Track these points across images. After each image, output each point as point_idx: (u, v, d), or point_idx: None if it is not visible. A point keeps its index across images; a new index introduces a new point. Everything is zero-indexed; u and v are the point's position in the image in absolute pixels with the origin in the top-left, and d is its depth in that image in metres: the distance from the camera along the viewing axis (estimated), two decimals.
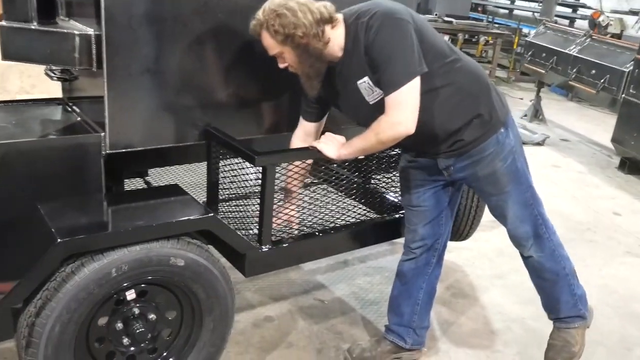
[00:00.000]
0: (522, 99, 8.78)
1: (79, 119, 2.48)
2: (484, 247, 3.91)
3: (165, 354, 2.25)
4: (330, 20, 2.09)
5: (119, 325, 2.09)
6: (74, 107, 2.58)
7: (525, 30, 10.15)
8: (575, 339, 2.54)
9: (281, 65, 2.20)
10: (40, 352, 1.88)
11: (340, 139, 2.28)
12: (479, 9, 13.63)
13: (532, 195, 2.39)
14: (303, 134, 2.47)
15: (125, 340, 2.12)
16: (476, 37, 9.52)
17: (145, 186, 2.94)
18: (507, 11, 13.25)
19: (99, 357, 2.10)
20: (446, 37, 8.98)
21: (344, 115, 2.44)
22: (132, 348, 2.14)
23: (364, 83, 2.12)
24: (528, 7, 12.54)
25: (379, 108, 2.10)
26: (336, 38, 2.12)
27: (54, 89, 6.40)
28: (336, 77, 2.22)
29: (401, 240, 3.83)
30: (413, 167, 2.43)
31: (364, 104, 2.18)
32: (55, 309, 1.86)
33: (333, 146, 2.26)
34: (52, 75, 2.65)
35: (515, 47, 10.06)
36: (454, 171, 2.32)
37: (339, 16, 2.13)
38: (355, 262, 3.61)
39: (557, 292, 2.52)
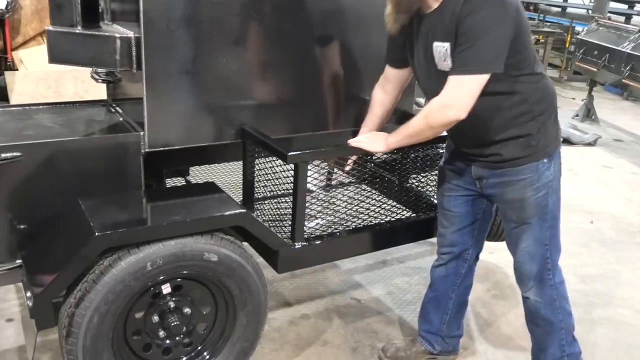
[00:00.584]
0: (574, 98, 8.52)
1: (121, 119, 2.58)
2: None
3: (200, 347, 2.31)
4: None
5: (155, 318, 2.16)
6: (117, 108, 2.68)
7: (578, 28, 9.85)
8: None
9: None
10: (80, 342, 1.96)
11: (383, 133, 2.27)
12: (531, 7, 13.30)
13: (551, 237, 2.24)
14: (384, 82, 2.45)
15: (161, 333, 2.19)
16: None
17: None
18: (559, 9, 12.88)
19: (136, 348, 2.18)
20: None
21: (415, 72, 2.30)
22: (168, 341, 2.21)
23: (442, 47, 2.01)
24: (581, 5, 12.16)
25: (442, 79, 2.02)
26: None
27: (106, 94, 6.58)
28: (419, 30, 2.11)
29: None
30: (450, 169, 2.38)
31: (432, 67, 2.10)
32: (93, 300, 1.94)
33: (378, 139, 2.25)
34: (97, 77, 2.75)
35: (567, 45, 9.78)
36: (486, 185, 2.24)
37: None
38: (394, 262, 3.59)
39: (546, 342, 2.36)
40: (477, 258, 2.56)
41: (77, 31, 2.27)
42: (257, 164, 2.49)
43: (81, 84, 6.51)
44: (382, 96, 2.47)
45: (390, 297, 3.21)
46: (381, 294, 3.22)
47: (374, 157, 2.80)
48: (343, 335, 2.84)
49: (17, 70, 6.42)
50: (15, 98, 6.27)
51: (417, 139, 2.17)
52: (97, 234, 1.88)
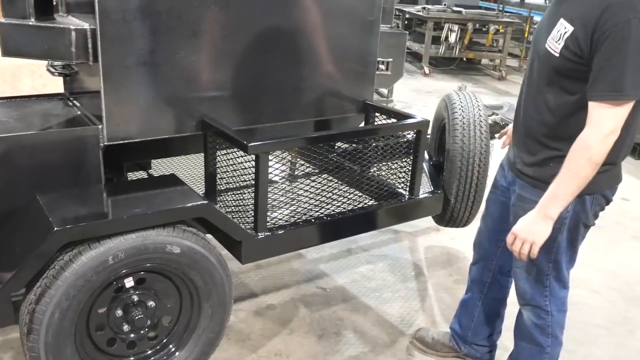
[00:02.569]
0: None
1: (79, 112, 2.54)
2: None
3: (165, 340, 2.30)
4: None
5: (119, 312, 2.15)
6: (75, 102, 2.64)
7: (536, 18, 10.05)
8: None
9: None
10: (41, 338, 1.94)
11: (528, 217, 1.94)
12: None
13: (555, 269, 2.08)
14: None
15: (125, 327, 2.17)
16: (486, 26, 9.45)
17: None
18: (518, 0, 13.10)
19: (99, 343, 2.16)
20: (455, 27, 9.04)
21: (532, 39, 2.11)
22: (132, 335, 2.20)
23: (563, 27, 1.81)
24: None
25: (541, 60, 1.91)
26: None
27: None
28: (561, 3, 1.91)
29: (405, 228, 3.90)
30: (502, 166, 2.27)
31: (540, 41, 1.92)
32: (54, 296, 1.91)
33: (535, 224, 1.90)
34: (53, 70, 2.71)
35: (526, 35, 9.98)
36: (512, 192, 2.13)
37: None
38: (359, 251, 3.64)
39: (525, 356, 2.29)
40: (502, 272, 2.40)
41: (31, 23, 2.22)
42: (219, 156, 2.49)
43: (39, 78, 6.35)
44: None
45: (355, 285, 3.25)
46: (346, 282, 3.26)
47: (335, 148, 2.83)
48: (309, 324, 2.87)
49: None
50: None
51: (583, 186, 1.83)
52: (56, 228, 1.86)
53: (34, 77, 6.42)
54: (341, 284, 3.24)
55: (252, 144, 2.19)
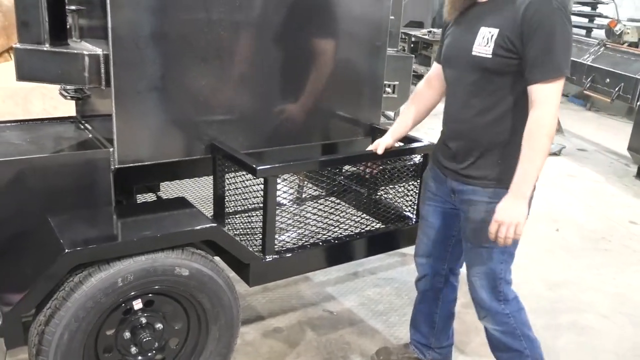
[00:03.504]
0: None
1: (90, 135, 2.58)
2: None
3: None
4: None
5: (127, 334, 2.16)
6: (87, 125, 2.68)
7: None
8: None
9: None
10: None
11: (505, 201, 2.02)
12: None
13: (505, 271, 2.21)
14: (434, 76, 2.38)
15: (133, 349, 2.18)
16: None
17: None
18: None
19: None
20: None
21: (443, 58, 2.25)
22: (140, 357, 2.20)
23: (488, 32, 1.99)
24: None
25: (470, 66, 2.04)
26: None
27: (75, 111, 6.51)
28: (467, 16, 2.12)
29: (412, 251, 3.89)
30: (432, 177, 2.36)
31: (464, 52, 2.06)
32: (64, 317, 1.93)
33: (511, 205, 2.00)
34: (66, 94, 2.76)
35: None
36: (457, 200, 2.22)
37: None
38: (366, 274, 3.63)
39: None
40: (454, 273, 2.52)
41: (45, 48, 2.27)
42: (227, 179, 2.51)
43: (50, 100, 6.44)
44: (426, 90, 2.43)
45: (362, 308, 3.24)
46: (353, 306, 3.26)
47: (343, 170, 2.85)
48: (316, 348, 2.86)
49: None
50: None
51: (544, 162, 1.98)
52: (66, 250, 1.88)
53: (45, 99, 6.51)
54: (348, 307, 3.24)
55: (260, 167, 2.21)
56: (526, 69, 1.95)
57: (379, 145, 2.55)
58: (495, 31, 1.97)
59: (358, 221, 2.70)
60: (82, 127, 2.71)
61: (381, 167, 2.68)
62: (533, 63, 1.92)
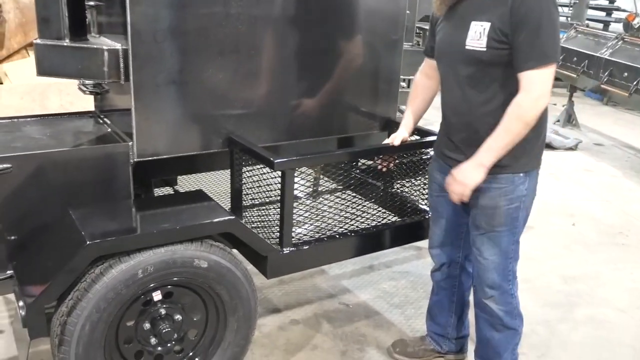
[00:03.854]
0: (555, 104, 8.64)
1: (109, 130, 2.61)
2: None
3: (191, 354, 2.33)
4: None
5: (147, 325, 2.19)
6: (105, 119, 2.71)
7: None
8: None
9: None
10: (72, 350, 1.98)
11: (466, 163, 2.14)
12: None
13: (515, 251, 2.29)
14: (428, 67, 2.47)
15: (153, 340, 2.21)
16: None
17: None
18: None
19: (128, 356, 2.20)
20: None
21: (436, 54, 2.30)
22: (160, 348, 2.23)
23: (480, 26, 2.04)
24: (561, 12, 12.38)
25: (464, 60, 2.10)
26: None
27: (91, 106, 6.64)
28: (457, 10, 2.15)
29: (427, 244, 3.90)
30: (438, 170, 2.41)
31: (457, 46, 2.11)
32: (85, 308, 1.96)
33: (469, 170, 2.11)
34: (85, 89, 2.79)
35: None
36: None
37: None
38: (381, 267, 3.64)
39: (503, 347, 2.40)
40: (469, 260, 2.54)
41: (65, 44, 2.30)
42: (245, 172, 2.53)
43: (66, 96, 6.51)
44: (425, 80, 2.50)
45: (378, 301, 3.25)
46: (369, 299, 3.27)
47: (359, 164, 2.86)
48: (332, 340, 2.88)
49: (1, 83, 6.41)
50: (0, 111, 6.26)
51: (514, 143, 2.06)
52: (88, 242, 1.91)
53: (62, 95, 6.59)
54: (364, 300, 3.25)
55: (278, 160, 2.23)
56: (514, 57, 2.00)
57: (396, 139, 2.58)
58: (487, 25, 2.02)
59: (374, 214, 2.70)
60: (100, 121, 2.74)
61: (397, 161, 2.69)
62: (520, 51, 1.98)
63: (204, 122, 2.46)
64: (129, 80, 2.27)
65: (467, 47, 2.08)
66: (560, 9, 12.26)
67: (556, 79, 7.68)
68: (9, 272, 2.22)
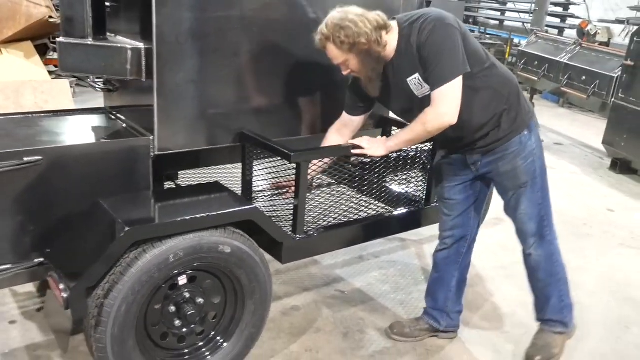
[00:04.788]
0: None
1: (124, 125, 2.73)
2: (487, 241, 4.16)
3: (212, 334, 2.48)
4: (385, 27, 2.36)
5: (172, 308, 2.33)
6: (119, 115, 2.82)
7: (516, 40, 10.50)
8: (556, 342, 2.77)
9: (345, 73, 2.49)
10: (108, 330, 2.11)
11: (380, 138, 2.52)
12: (470, 20, 14.00)
13: (543, 197, 2.60)
14: (341, 126, 2.77)
15: (177, 322, 2.35)
16: None
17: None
18: (497, 22, 13.63)
19: (154, 337, 2.34)
20: None
21: (392, 109, 2.70)
22: (184, 329, 2.38)
23: (414, 79, 2.38)
24: (518, 18, 12.93)
25: (425, 102, 2.37)
26: (391, 41, 2.39)
27: (66, 104, 6.63)
28: (388, 76, 2.47)
29: (411, 236, 4.14)
30: (445, 163, 2.71)
31: (412, 99, 2.44)
32: (121, 291, 2.09)
33: (377, 144, 2.54)
34: (96, 86, 2.90)
35: (507, 56, 10.39)
36: (480, 166, 2.59)
37: (392, 22, 2.41)
38: (370, 257, 3.86)
39: (548, 293, 2.73)
40: (475, 237, 2.87)
41: (89, 42, 2.42)
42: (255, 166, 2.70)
43: (40, 94, 6.48)
44: (338, 139, 2.78)
45: (370, 288, 3.46)
46: (362, 286, 3.48)
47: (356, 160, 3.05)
48: (333, 323, 3.07)
49: None
50: None
51: (415, 142, 2.55)
52: (127, 228, 2.04)
53: (36, 93, 6.56)
54: (358, 287, 3.45)
55: (294, 153, 2.41)
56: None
57: None
58: (416, 75, 2.38)
59: (376, 204, 2.91)
60: (113, 117, 2.85)
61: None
62: (429, 80, 2.34)
63: (219, 118, 2.61)
64: (150, 78, 2.41)
65: (420, 97, 2.42)
66: (520, 15, 12.83)
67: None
68: (36, 260, 2.33)
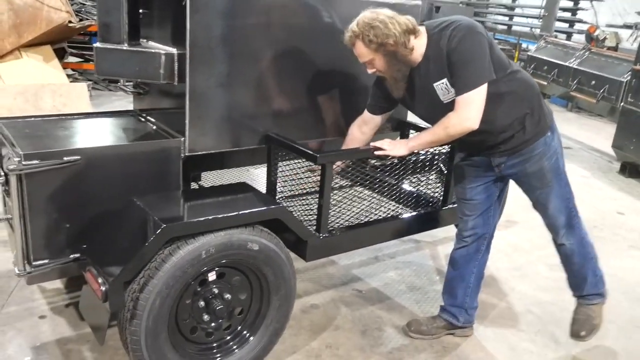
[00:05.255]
0: None
1: (154, 127, 2.83)
2: (500, 243, 4.24)
3: (239, 328, 2.58)
4: (414, 31, 2.46)
5: (201, 303, 2.42)
6: (149, 117, 2.93)
7: (524, 45, 10.59)
8: (596, 313, 2.92)
9: (370, 71, 2.58)
10: (143, 323, 2.21)
11: (402, 140, 2.63)
12: None
13: (569, 191, 2.77)
14: (362, 123, 2.90)
15: (206, 317, 2.45)
16: None
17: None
18: (505, 27, 13.71)
19: (184, 331, 2.43)
20: None
21: (414, 112, 2.78)
22: (212, 324, 2.47)
23: (442, 84, 2.48)
24: (526, 23, 13.01)
25: (449, 107, 2.47)
26: (419, 47, 2.49)
27: (84, 107, 6.75)
28: (414, 79, 2.57)
29: (425, 237, 4.22)
30: (467, 164, 2.81)
31: (436, 103, 2.54)
32: (156, 285, 2.19)
33: (399, 144, 2.65)
34: (126, 90, 3.01)
35: (516, 61, 10.47)
36: (505, 168, 2.69)
37: (421, 28, 2.51)
38: (385, 258, 3.95)
39: (584, 273, 2.89)
40: (493, 235, 2.98)
41: (125, 48, 2.53)
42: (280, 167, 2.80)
43: (59, 97, 6.62)
44: (359, 136, 2.91)
45: (387, 287, 3.55)
46: (379, 285, 3.57)
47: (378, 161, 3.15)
48: (351, 321, 3.16)
49: None
50: None
51: (436, 145, 2.66)
52: (164, 225, 2.14)
53: (55, 96, 6.69)
54: (375, 287, 3.54)
55: (320, 155, 2.51)
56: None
57: None
58: (444, 80, 2.47)
59: (395, 205, 3.01)
60: (142, 119, 2.96)
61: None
62: (455, 85, 2.44)
63: (245, 120, 2.72)
64: (182, 81, 2.52)
65: (445, 102, 2.51)
66: (528, 20, 12.90)
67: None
68: (71, 256, 2.43)
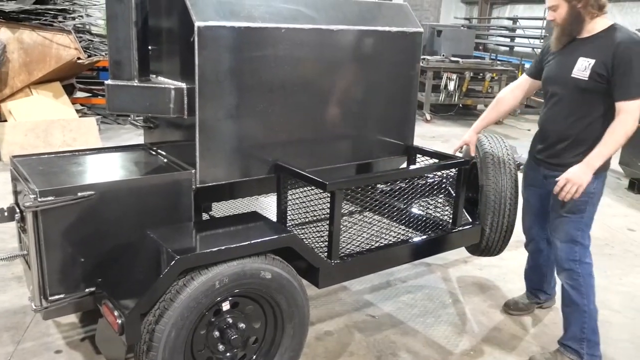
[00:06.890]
0: (529, 130, 9.21)
1: (165, 160, 2.88)
2: (511, 264, 4.24)
3: (253, 358, 2.58)
4: (603, 7, 2.65)
5: (216, 333, 2.44)
6: (159, 151, 2.98)
7: (527, 65, 10.66)
8: None
9: (549, 17, 2.77)
10: (159, 355, 2.23)
11: (575, 166, 2.67)
12: (480, 47, 14.23)
13: (582, 237, 2.84)
14: (515, 87, 3.17)
15: (221, 347, 2.46)
16: (482, 74, 10.02)
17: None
18: (507, 48, 13.83)
19: None
20: (453, 76, 9.61)
21: (543, 76, 2.90)
22: (228, 354, 2.48)
23: (586, 62, 2.64)
24: (527, 44, 13.13)
25: (569, 84, 2.68)
26: (596, 23, 2.67)
27: (93, 141, 6.81)
28: (571, 47, 2.74)
29: (437, 261, 4.23)
30: (529, 167, 3.11)
31: (563, 74, 2.73)
32: (172, 316, 2.21)
33: (581, 173, 2.64)
34: (137, 124, 3.07)
35: None
36: (548, 183, 2.88)
37: (609, 16, 2.69)
38: (397, 282, 3.95)
39: (570, 320, 2.95)
40: (549, 241, 3.12)
41: (135, 84, 2.60)
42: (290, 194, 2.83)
43: (69, 132, 6.73)
44: (509, 98, 3.17)
45: (400, 312, 3.55)
46: (392, 310, 3.56)
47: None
48: (366, 347, 3.15)
49: (6, 121, 6.58)
50: (5, 148, 6.43)
51: (616, 152, 2.71)
52: (177, 257, 2.17)
53: (65, 131, 6.80)
54: (387, 312, 3.54)
55: (330, 182, 2.54)
56: (614, 90, 2.61)
57: (471, 143, 3.26)
58: (592, 61, 2.64)
59: (404, 230, 3.03)
60: (153, 153, 3.01)
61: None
62: (620, 86, 2.59)
63: (255, 151, 2.76)
64: (192, 115, 2.57)
65: (572, 75, 2.68)
66: (529, 40, 12.97)
67: (528, 106, 8.37)
68: (87, 289, 2.46)
